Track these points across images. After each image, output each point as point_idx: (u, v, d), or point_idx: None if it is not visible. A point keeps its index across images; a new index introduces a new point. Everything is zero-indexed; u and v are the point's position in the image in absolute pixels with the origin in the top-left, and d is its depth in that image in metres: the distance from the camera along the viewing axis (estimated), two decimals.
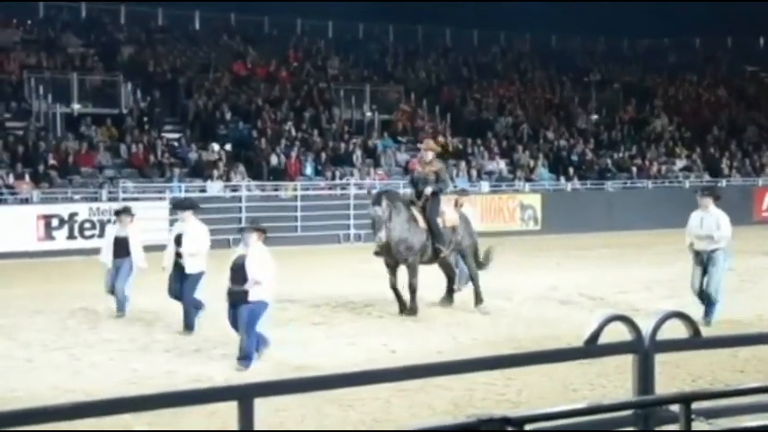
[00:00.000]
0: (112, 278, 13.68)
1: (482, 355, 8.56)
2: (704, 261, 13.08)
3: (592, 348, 4.58)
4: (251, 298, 10.54)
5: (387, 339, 12.07)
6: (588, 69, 38.97)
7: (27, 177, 23.76)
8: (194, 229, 12.70)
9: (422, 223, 13.82)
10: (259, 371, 10.07)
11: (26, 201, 23.05)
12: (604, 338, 4.67)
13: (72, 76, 28.22)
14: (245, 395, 3.76)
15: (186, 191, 24.60)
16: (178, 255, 12.49)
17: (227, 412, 3.95)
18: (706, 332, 4.92)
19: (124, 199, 22.83)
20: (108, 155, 26.10)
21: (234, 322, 10.70)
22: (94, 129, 26.67)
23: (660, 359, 4.65)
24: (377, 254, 13.77)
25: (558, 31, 41.20)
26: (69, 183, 24.33)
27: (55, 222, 21.95)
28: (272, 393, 4.03)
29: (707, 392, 4.60)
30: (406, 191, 13.98)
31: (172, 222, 22.83)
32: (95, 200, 22.98)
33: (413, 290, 13.65)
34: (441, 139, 16.14)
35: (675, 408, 4.00)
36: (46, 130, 26.28)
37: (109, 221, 19.85)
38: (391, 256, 13.63)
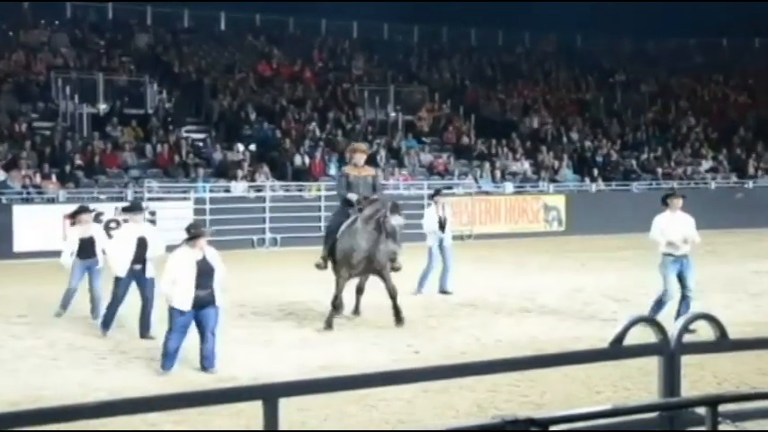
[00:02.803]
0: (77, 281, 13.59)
1: (505, 356, 8.54)
2: (681, 267, 12.55)
3: (617, 350, 4.56)
4: (217, 301, 10.44)
5: (410, 340, 12.07)
6: (613, 70, 38.77)
7: (54, 177, 23.96)
8: (154, 232, 12.75)
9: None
10: (282, 371, 10.09)
11: (52, 200, 23.23)
12: (628, 340, 4.65)
13: (98, 76, 28.44)
14: (270, 395, 3.77)
15: (211, 191, 24.73)
16: (137, 260, 12.16)
17: (252, 412, 3.96)
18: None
19: (149, 199, 22.99)
20: (133, 155, 26.27)
21: (196, 325, 10.43)
22: (120, 129, 26.86)
23: (684, 361, 4.62)
24: (351, 267, 12.98)
25: (583, 32, 41.02)
26: (95, 183, 24.51)
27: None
28: (297, 393, 4.04)
29: (734, 395, 4.56)
30: (351, 195, 13.18)
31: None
32: (120, 200, 23.11)
33: (395, 293, 13.09)
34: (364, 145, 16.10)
35: (701, 410, 3.98)
36: (72, 130, 26.49)
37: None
38: (370, 267, 13.01)
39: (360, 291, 13.79)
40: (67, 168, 24.41)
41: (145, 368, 10.66)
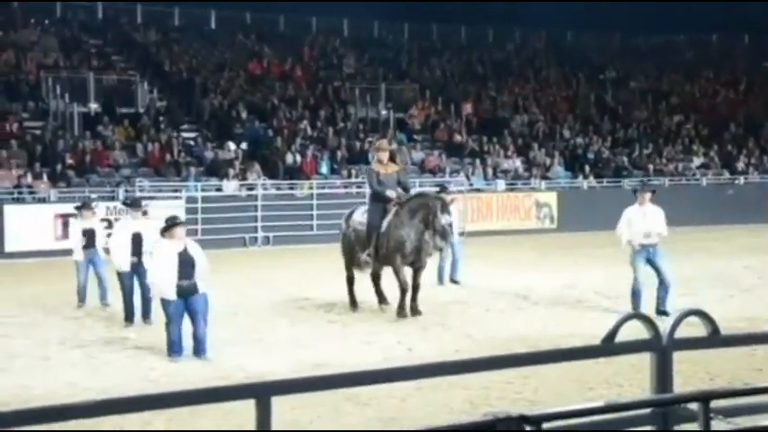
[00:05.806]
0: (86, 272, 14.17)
1: (498, 353, 8.54)
2: (649, 255, 13.22)
3: (609, 346, 4.56)
4: (201, 289, 10.83)
5: (402, 337, 12.06)
6: (604, 67, 38.81)
7: (45, 177, 23.89)
8: (154, 227, 13.01)
9: None
10: (275, 370, 10.08)
11: (44, 200, 23.17)
12: (621, 337, 4.65)
13: (89, 75, 28.36)
14: (262, 393, 3.77)
15: (202, 190, 24.69)
16: (133, 253, 12.86)
17: (244, 410, 3.95)
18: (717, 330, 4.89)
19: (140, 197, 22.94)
20: (124, 154, 26.21)
21: (188, 314, 10.83)
22: (111, 128, 26.79)
23: (677, 357, 4.62)
24: (404, 256, 13.42)
25: (573, 29, 41.06)
26: (86, 182, 24.45)
27: (72, 221, 22.03)
28: (289, 392, 4.03)
29: (726, 391, 4.57)
30: (389, 192, 13.70)
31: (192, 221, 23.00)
32: (112, 199, 23.06)
33: (418, 288, 13.69)
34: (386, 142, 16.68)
35: (694, 406, 3.98)
36: (63, 130, 26.42)
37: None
38: (417, 258, 13.54)
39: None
40: (59, 168, 24.36)
41: (136, 368, 10.63)
